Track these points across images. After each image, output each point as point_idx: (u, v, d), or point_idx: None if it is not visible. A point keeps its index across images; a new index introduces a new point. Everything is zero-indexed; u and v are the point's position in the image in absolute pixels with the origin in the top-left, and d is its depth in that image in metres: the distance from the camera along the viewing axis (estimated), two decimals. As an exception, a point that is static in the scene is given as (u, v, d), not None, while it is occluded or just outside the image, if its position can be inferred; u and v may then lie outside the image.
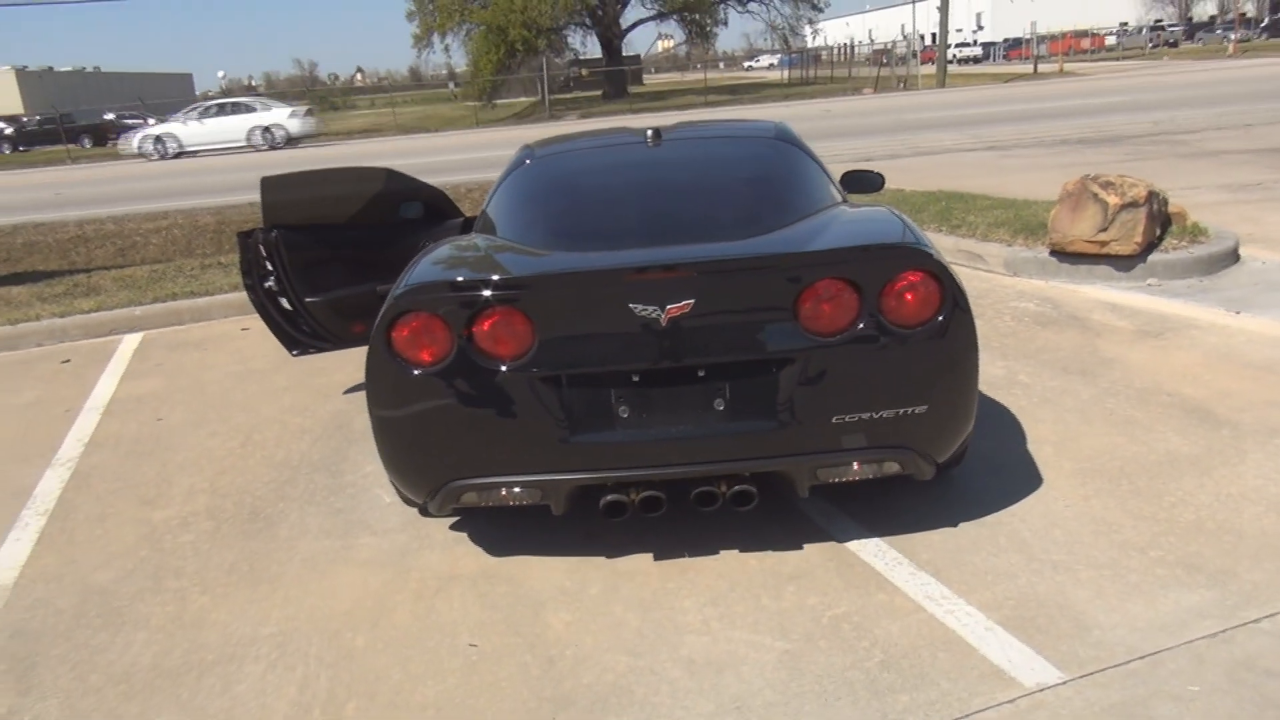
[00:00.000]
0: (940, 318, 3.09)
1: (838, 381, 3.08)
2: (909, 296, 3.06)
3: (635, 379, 3.09)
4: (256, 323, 7.46)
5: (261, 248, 4.94)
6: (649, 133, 4.22)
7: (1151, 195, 6.40)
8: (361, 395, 4.71)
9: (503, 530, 3.74)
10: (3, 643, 3.26)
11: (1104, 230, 6.38)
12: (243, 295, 7.80)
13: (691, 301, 2.98)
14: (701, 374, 3.09)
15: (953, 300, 3.10)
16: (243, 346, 6.83)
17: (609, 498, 3.18)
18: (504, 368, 3.08)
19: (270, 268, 5.00)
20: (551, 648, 3.00)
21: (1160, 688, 2.60)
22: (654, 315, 2.98)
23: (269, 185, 4.90)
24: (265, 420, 5.24)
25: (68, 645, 3.21)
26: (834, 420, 3.09)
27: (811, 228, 3.39)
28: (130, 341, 7.17)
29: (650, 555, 3.47)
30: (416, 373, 3.11)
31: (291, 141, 31.57)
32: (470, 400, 3.12)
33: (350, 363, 5.93)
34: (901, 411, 3.11)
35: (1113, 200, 6.28)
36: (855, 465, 3.19)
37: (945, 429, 3.24)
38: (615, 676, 2.83)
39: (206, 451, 4.85)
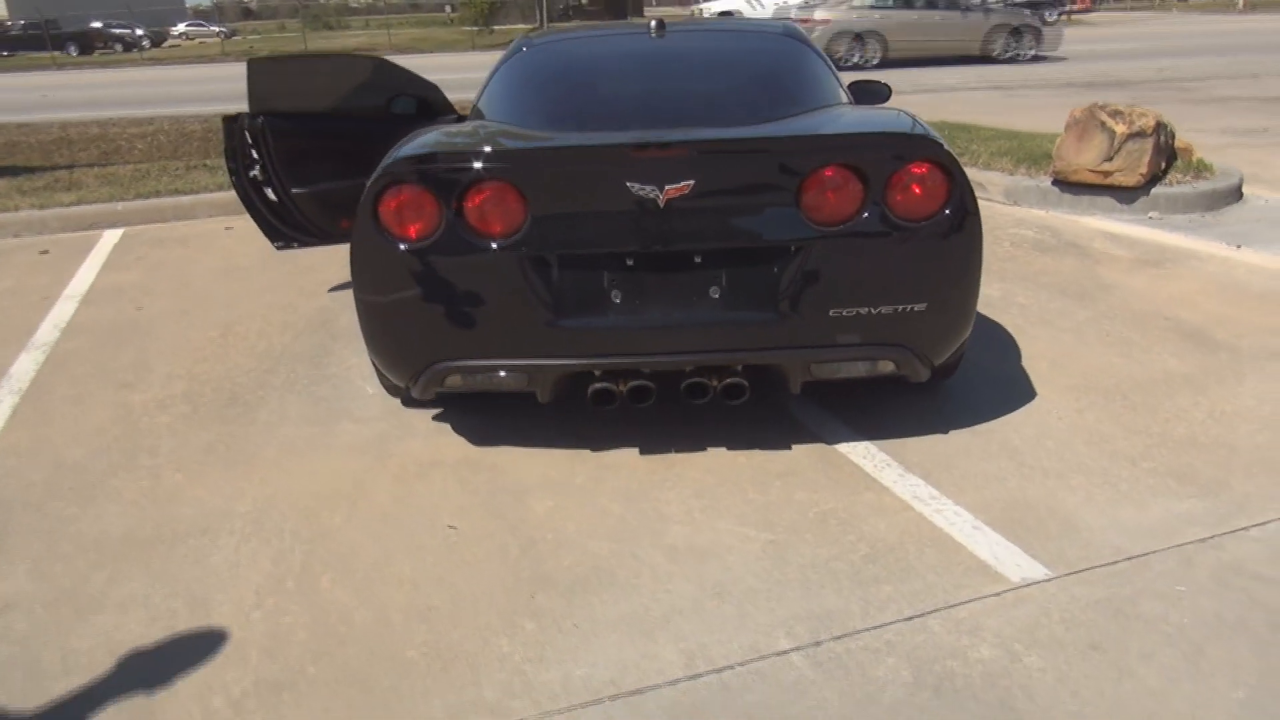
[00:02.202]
0: (947, 212, 2.99)
1: (837, 274, 3.00)
2: (916, 188, 2.96)
3: (630, 263, 3.00)
4: (241, 223, 7.32)
5: (247, 134, 4.79)
6: (652, 23, 4.07)
7: (1160, 126, 6.28)
8: (347, 294, 4.62)
9: (487, 422, 3.67)
10: (-28, 510, 3.19)
11: (1109, 160, 6.26)
12: (228, 195, 7.64)
13: (691, 183, 2.87)
14: (698, 260, 3.00)
15: (961, 196, 3.01)
16: (227, 245, 6.69)
17: (597, 385, 3.11)
18: (494, 245, 2.98)
19: (256, 156, 4.85)
20: (533, 531, 2.95)
21: (1147, 587, 2.57)
22: (652, 195, 2.88)
23: (256, 69, 4.72)
24: (248, 314, 5.13)
25: (38, 515, 3.14)
26: (831, 314, 3.01)
27: (819, 118, 3.27)
28: (111, 236, 7.00)
29: (636, 450, 3.41)
30: (403, 248, 3.01)
31: None
32: (458, 279, 3.03)
33: (336, 262, 5.80)
34: (900, 308, 3.03)
35: (1120, 129, 6.16)
36: (850, 362, 3.12)
37: (944, 330, 3.17)
38: (596, 560, 2.78)
39: (186, 341, 4.74)
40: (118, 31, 45.89)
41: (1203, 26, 31.71)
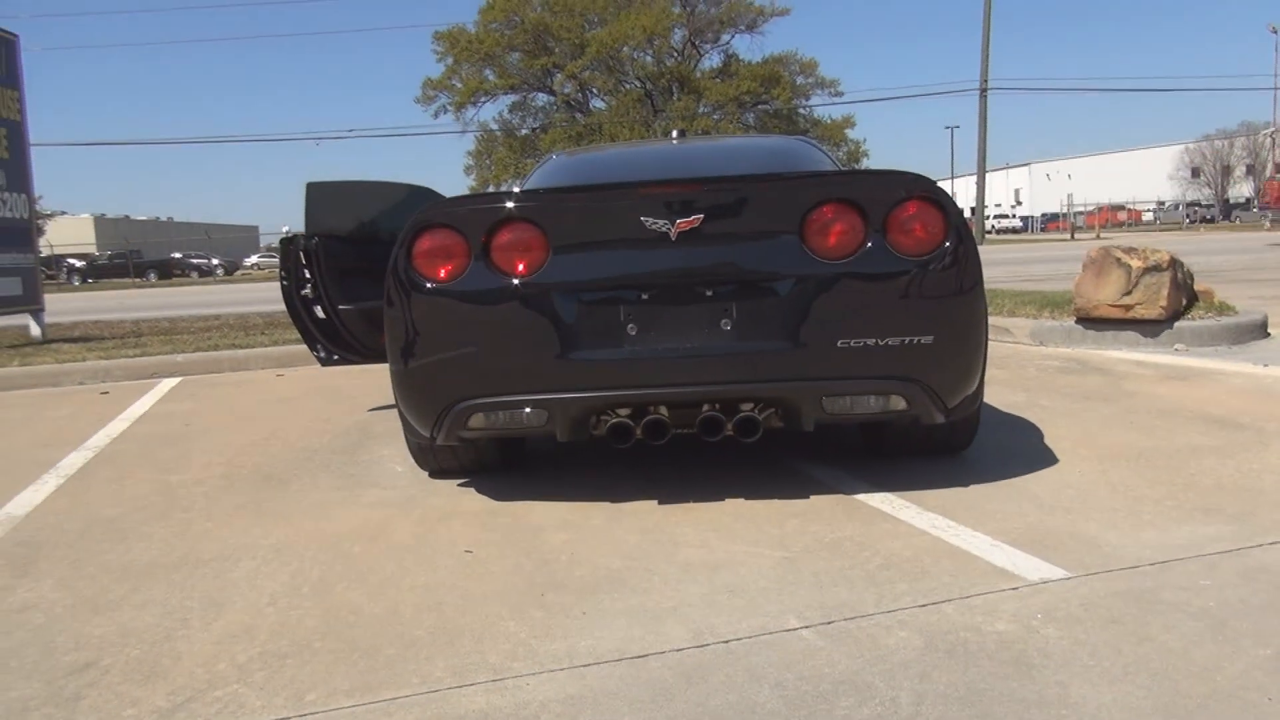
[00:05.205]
0: (946, 244, 3.14)
1: (843, 306, 3.12)
2: (913, 224, 3.13)
3: (644, 296, 3.15)
4: (291, 370, 7.67)
5: (301, 255, 5.15)
6: (675, 132, 4.44)
7: (1175, 262, 6.47)
8: (386, 412, 4.85)
9: (508, 482, 3.75)
10: (7, 549, 3.28)
11: (1128, 294, 6.42)
12: (283, 349, 8.06)
13: (700, 217, 3.07)
14: (709, 293, 3.15)
15: (957, 232, 3.17)
16: (276, 385, 6.98)
17: (614, 421, 3.20)
18: (516, 283, 3.17)
19: (308, 275, 5.19)
20: (548, 554, 2.96)
21: (1170, 582, 2.50)
22: (664, 230, 3.08)
23: (315, 193, 5.14)
24: (289, 426, 5.32)
25: (70, 550, 3.23)
26: (839, 345, 3.11)
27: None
28: (169, 382, 7.36)
29: (655, 501, 3.45)
30: (430, 286, 3.21)
31: None
32: (482, 317, 3.20)
33: (378, 391, 6.04)
34: (907, 340, 3.13)
35: (1136, 264, 6.36)
36: (862, 397, 3.18)
37: (952, 367, 3.24)
38: (609, 572, 2.78)
39: (229, 443, 4.92)
40: (195, 261, 49.32)
41: (1233, 237, 32.55)
